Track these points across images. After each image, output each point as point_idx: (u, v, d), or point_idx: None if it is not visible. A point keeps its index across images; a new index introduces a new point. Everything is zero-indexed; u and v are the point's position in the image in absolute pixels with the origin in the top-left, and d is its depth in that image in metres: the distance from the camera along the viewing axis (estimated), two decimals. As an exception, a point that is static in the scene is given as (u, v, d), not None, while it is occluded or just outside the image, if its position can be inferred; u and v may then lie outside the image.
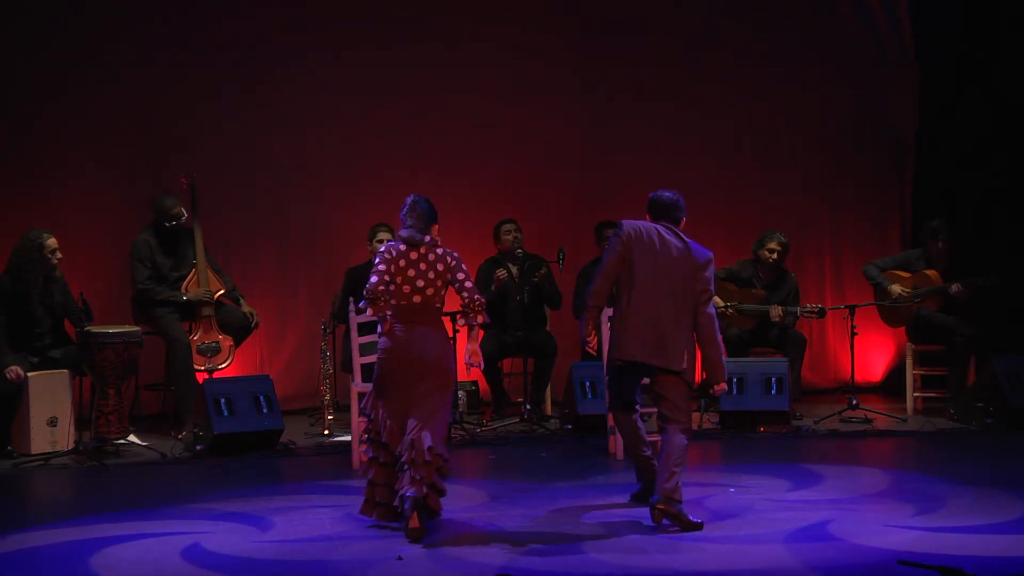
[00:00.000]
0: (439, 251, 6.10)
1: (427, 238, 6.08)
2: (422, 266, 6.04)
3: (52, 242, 8.16)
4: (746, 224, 10.32)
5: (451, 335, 9.05)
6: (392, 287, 6.01)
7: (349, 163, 10.11)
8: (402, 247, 6.07)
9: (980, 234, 10.07)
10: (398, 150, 10.12)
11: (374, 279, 5.98)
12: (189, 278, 8.85)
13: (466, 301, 6.10)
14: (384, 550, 5.57)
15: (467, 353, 6.20)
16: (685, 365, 6.21)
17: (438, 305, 6.11)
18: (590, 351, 6.53)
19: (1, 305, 8.07)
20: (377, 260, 6.06)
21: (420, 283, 6.02)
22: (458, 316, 6.28)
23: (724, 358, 6.38)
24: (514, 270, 9.49)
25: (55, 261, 8.17)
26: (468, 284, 6.10)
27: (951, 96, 10.66)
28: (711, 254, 6.39)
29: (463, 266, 6.13)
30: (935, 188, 10.77)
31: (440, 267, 6.07)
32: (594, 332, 6.41)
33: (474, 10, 10.44)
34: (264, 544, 5.83)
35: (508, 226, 9.54)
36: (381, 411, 6.03)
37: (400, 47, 10.26)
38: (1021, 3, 10.09)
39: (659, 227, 6.36)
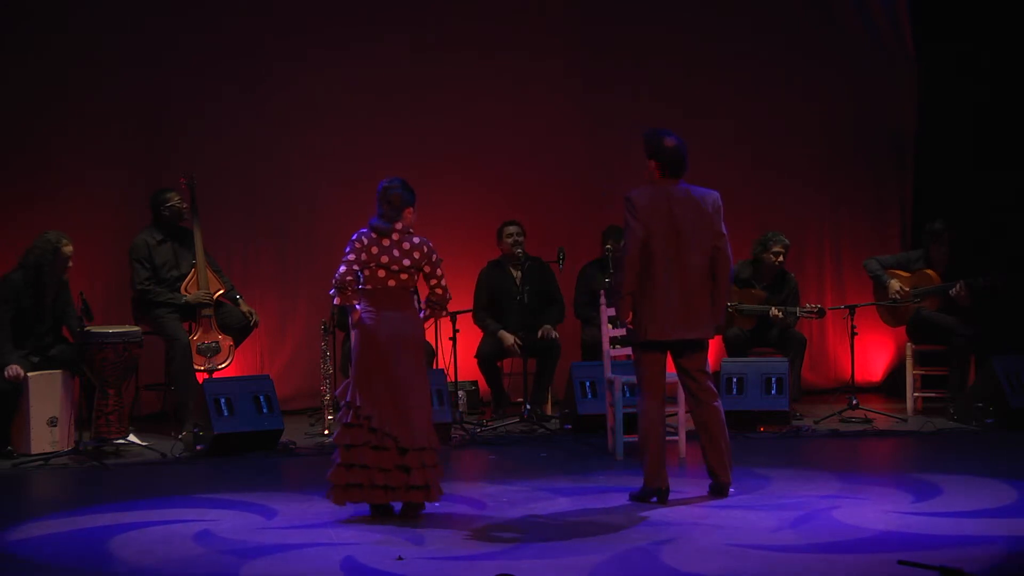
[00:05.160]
0: (415, 240, 6.20)
1: (399, 225, 6.17)
2: (395, 252, 6.14)
3: (68, 250, 8.14)
4: (746, 224, 10.28)
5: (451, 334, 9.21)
6: (366, 272, 6.12)
7: (349, 163, 10.11)
8: (373, 235, 6.16)
9: (980, 234, 10.06)
10: (398, 150, 10.11)
11: (342, 268, 6.13)
12: (189, 278, 8.85)
13: (437, 297, 6.27)
14: (384, 550, 5.56)
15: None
16: (713, 332, 6.56)
17: (412, 289, 6.24)
18: (630, 326, 6.56)
19: (9, 302, 8.06)
20: (348, 249, 6.15)
21: (394, 268, 6.13)
22: (424, 307, 6.35)
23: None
24: (516, 274, 9.51)
25: (66, 268, 8.17)
26: (444, 282, 6.25)
27: (951, 96, 10.66)
28: (717, 193, 6.53)
29: (436, 258, 6.23)
30: (935, 188, 10.77)
31: (416, 255, 6.17)
32: (631, 312, 6.48)
33: (475, 10, 10.45)
34: (269, 532, 5.96)
35: (510, 228, 9.54)
36: (368, 398, 6.08)
37: (400, 47, 10.27)
38: (1021, 3, 10.09)
39: (668, 189, 6.41)
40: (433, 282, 6.26)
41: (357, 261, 6.12)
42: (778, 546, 5.58)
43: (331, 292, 6.21)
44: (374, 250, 6.12)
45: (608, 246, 9.33)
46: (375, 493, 6.10)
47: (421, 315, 6.34)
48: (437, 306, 6.32)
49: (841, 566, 5.27)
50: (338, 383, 9.36)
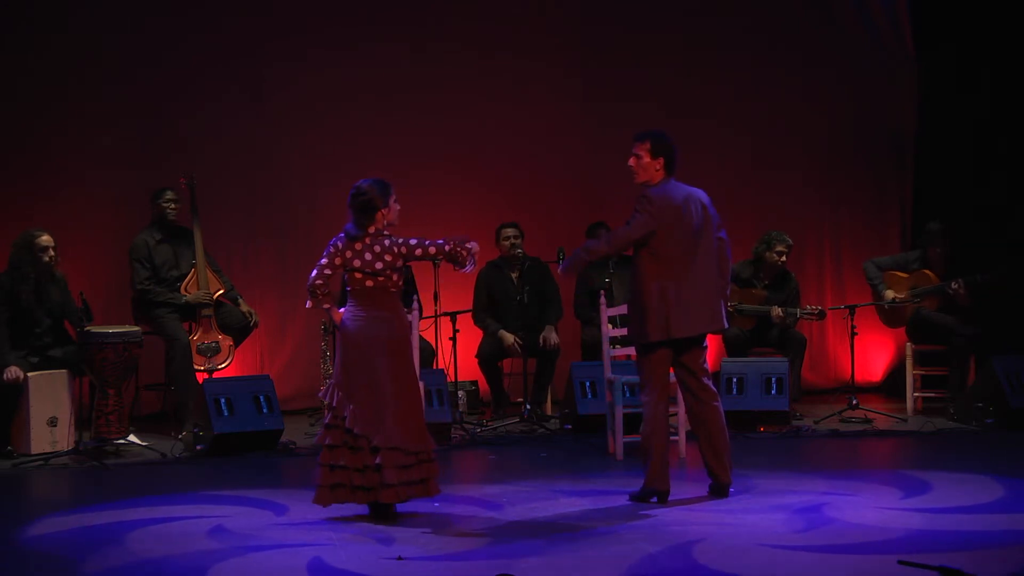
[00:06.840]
0: (386, 242, 6.16)
1: (371, 229, 6.16)
2: (367, 256, 6.14)
3: (43, 240, 8.14)
4: (746, 225, 10.31)
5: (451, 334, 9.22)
6: (347, 275, 6.17)
7: (349, 163, 10.08)
8: (346, 240, 6.20)
9: (980, 234, 10.07)
10: (398, 150, 10.12)
11: (313, 273, 6.19)
12: (189, 278, 8.85)
13: (450, 255, 6.14)
14: (384, 551, 5.57)
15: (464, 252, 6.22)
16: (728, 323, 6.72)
17: (393, 290, 6.21)
18: (570, 274, 6.85)
19: (3, 303, 8.07)
20: (323, 253, 6.19)
21: (368, 270, 6.13)
22: (454, 268, 6.28)
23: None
24: (514, 274, 9.52)
25: (47, 259, 8.14)
26: (432, 249, 6.13)
27: (951, 96, 10.66)
28: (702, 191, 6.60)
29: (412, 242, 6.11)
30: (935, 188, 10.78)
31: (388, 257, 6.14)
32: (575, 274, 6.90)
33: (475, 10, 10.46)
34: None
35: (508, 231, 9.55)
36: (345, 398, 6.09)
37: (400, 47, 10.28)
38: (1020, 3, 10.09)
39: (673, 187, 6.48)
40: (427, 256, 6.17)
41: (330, 265, 6.17)
42: (778, 546, 5.58)
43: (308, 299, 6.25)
44: (348, 254, 6.16)
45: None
46: (356, 494, 6.10)
47: (457, 268, 6.24)
48: (460, 256, 6.16)
49: (841, 566, 5.27)
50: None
